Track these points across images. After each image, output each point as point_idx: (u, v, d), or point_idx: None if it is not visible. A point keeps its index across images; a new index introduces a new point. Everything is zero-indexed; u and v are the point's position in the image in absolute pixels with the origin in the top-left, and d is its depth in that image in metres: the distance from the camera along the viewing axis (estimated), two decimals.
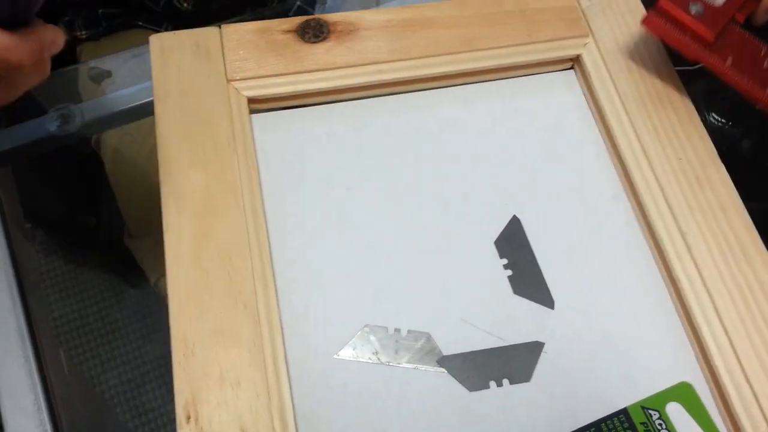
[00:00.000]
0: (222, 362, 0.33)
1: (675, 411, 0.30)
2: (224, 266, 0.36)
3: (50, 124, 0.44)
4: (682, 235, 0.39)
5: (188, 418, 0.32)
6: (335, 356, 0.36)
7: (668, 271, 0.39)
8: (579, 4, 0.47)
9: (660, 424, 0.30)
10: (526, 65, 0.46)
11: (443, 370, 0.36)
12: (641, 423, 0.30)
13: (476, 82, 0.45)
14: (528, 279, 0.38)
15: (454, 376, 0.35)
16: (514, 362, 0.36)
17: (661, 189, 0.41)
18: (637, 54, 0.46)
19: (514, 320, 0.37)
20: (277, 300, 0.36)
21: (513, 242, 0.39)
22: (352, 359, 0.36)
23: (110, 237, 0.57)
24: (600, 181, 0.43)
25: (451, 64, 0.44)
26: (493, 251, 0.39)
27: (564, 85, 0.46)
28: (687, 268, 0.39)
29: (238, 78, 0.42)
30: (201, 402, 0.32)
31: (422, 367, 0.36)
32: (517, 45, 0.45)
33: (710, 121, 0.68)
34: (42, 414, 0.34)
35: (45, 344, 0.36)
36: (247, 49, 0.43)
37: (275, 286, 0.37)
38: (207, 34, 0.43)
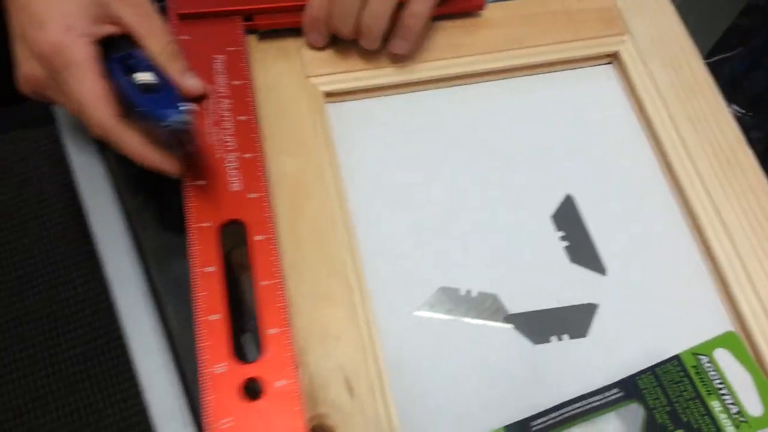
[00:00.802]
0: (323, 320, 0.38)
1: (722, 356, 0.35)
2: (317, 240, 0.41)
3: None
4: (717, 211, 0.45)
5: (297, 366, 0.37)
6: (415, 313, 0.41)
7: (704, 242, 0.44)
8: (616, 5, 0.52)
9: (709, 367, 0.34)
10: (571, 60, 0.50)
11: (510, 325, 0.41)
12: (692, 366, 0.34)
13: (527, 75, 0.50)
14: (582, 249, 0.43)
15: (519, 331, 0.41)
16: (571, 320, 0.41)
17: (696, 170, 0.46)
18: (669, 48, 0.51)
19: (571, 285, 0.42)
20: (363, 267, 0.41)
21: (568, 217, 0.44)
22: (429, 316, 0.41)
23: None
24: (641, 162, 0.48)
25: (505, 60, 0.49)
26: (551, 225, 0.44)
27: (604, 78, 0.51)
28: (721, 240, 0.44)
29: (314, 75, 0.47)
30: (308, 353, 0.37)
31: (491, 323, 0.41)
32: (562, 42, 0.50)
33: (730, 111, 0.73)
34: (170, 368, 0.39)
35: (164, 303, 0.41)
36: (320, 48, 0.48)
37: (360, 256, 0.42)
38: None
